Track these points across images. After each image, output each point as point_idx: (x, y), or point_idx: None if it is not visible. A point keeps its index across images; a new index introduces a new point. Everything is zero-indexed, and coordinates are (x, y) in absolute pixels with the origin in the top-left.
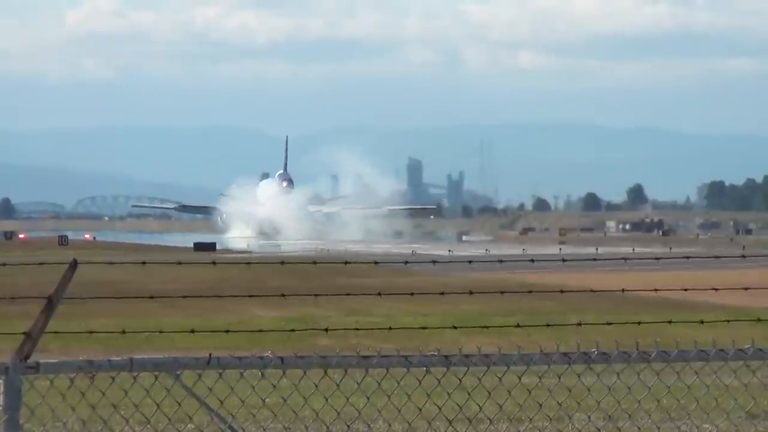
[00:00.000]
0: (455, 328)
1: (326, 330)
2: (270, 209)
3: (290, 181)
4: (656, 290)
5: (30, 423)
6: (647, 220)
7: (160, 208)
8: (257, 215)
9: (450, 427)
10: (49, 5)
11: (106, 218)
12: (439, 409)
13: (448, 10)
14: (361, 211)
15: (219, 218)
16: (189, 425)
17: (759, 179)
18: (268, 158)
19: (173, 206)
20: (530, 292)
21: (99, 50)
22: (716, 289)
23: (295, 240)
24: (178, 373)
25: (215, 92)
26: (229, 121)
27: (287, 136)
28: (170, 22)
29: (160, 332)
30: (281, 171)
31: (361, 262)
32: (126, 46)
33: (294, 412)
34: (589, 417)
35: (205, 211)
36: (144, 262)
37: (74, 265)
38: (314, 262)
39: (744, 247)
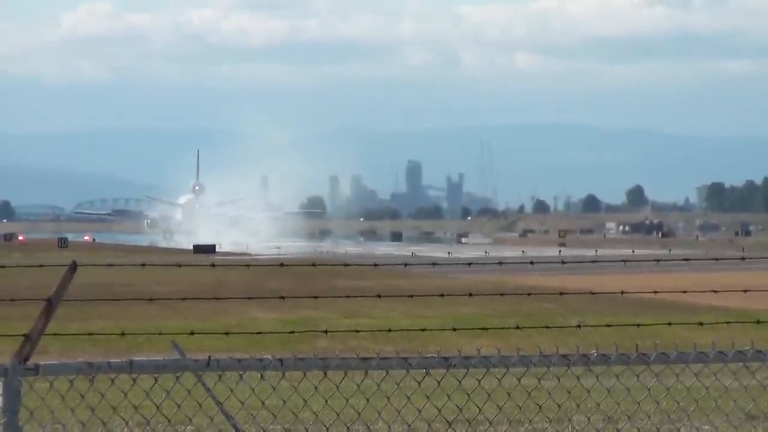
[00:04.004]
0: (454, 330)
1: (326, 332)
2: (181, 213)
3: (202, 187)
4: (656, 292)
5: (29, 425)
6: (647, 221)
7: (97, 213)
8: (173, 219)
9: (449, 429)
10: (46, 7)
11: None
12: (439, 410)
13: (444, 12)
14: (261, 213)
15: (145, 221)
16: (188, 427)
17: (758, 181)
18: (265, 160)
19: (109, 212)
20: (530, 294)
21: (96, 52)
22: (716, 291)
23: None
24: (178, 375)
25: (212, 94)
26: (227, 123)
27: (198, 150)
28: (167, 24)
29: (160, 334)
30: (194, 180)
31: (360, 264)
32: (123, 48)
33: (294, 413)
34: (589, 418)
35: (136, 215)
36: (143, 264)
37: (74, 267)
38: (313, 265)
39: (743, 248)
